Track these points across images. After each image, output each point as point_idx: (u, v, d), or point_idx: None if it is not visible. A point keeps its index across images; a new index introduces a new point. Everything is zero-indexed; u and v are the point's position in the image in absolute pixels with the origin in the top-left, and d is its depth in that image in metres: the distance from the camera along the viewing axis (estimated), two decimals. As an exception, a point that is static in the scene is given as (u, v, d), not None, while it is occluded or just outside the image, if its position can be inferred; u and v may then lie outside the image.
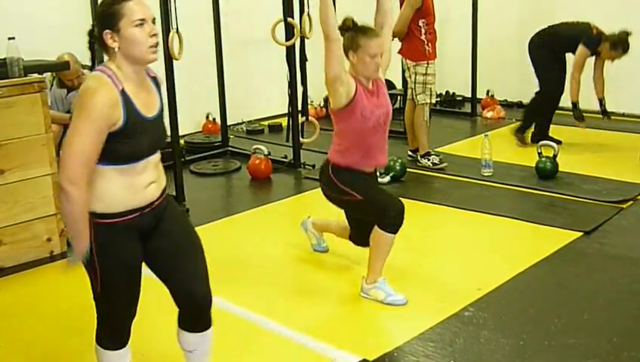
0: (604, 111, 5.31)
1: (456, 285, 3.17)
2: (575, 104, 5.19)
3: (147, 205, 2.01)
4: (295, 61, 4.89)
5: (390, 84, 6.98)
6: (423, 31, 4.87)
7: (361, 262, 3.20)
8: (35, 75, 3.60)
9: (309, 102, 5.41)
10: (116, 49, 1.91)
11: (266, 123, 6.42)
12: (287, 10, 4.79)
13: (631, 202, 4.13)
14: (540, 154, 4.68)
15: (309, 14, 4.62)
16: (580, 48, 5.15)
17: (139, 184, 1.97)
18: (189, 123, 5.79)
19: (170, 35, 4.04)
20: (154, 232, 2.05)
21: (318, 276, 3.32)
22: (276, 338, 2.75)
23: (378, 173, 4.61)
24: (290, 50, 4.88)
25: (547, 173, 4.58)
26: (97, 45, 1.97)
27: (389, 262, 3.08)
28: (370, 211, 2.97)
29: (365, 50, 2.85)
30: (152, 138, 1.97)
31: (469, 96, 6.69)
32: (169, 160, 4.76)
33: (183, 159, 4.52)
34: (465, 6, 6.34)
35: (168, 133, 2.12)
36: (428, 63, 4.92)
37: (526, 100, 6.79)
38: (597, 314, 2.86)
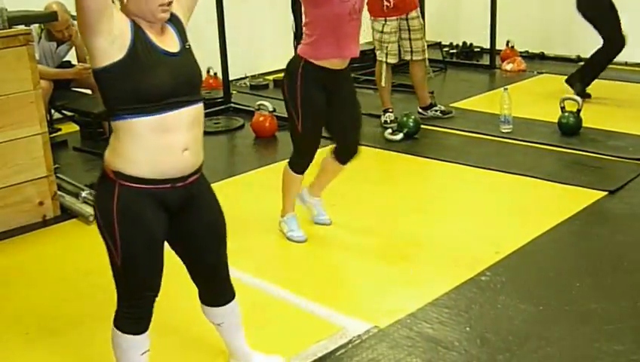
0: None
1: (473, 248, 3.15)
2: None
3: (180, 178, 1.87)
4: (301, 10, 4.80)
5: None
6: None
7: (371, 232, 3.18)
8: (21, 27, 3.54)
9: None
10: (125, 1, 1.82)
11: (270, 77, 6.35)
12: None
13: (660, 159, 4.08)
14: (562, 108, 4.61)
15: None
16: None
17: (171, 144, 1.82)
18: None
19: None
20: (182, 212, 1.93)
21: (326, 241, 3.31)
22: (284, 305, 2.76)
23: (391, 130, 4.66)
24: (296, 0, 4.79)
25: (570, 128, 4.52)
26: None
27: (399, 223, 3.07)
28: (295, 143, 3.15)
29: None
30: (175, 74, 1.82)
31: (488, 47, 6.57)
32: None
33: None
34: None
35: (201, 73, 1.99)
36: (386, 20, 4.73)
37: (549, 51, 6.72)
38: (621, 278, 2.84)
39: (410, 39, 4.83)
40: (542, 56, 6.74)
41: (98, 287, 3.01)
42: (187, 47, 1.91)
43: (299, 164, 3.17)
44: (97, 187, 1.94)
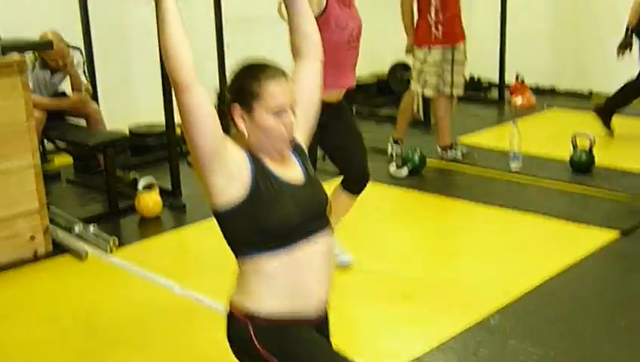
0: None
1: (481, 289, 3.15)
2: (628, 28, 5.02)
3: (313, 315, 1.78)
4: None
5: (407, 67, 6.96)
6: (433, 10, 4.62)
7: (375, 271, 3.18)
8: (15, 55, 3.59)
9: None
10: (245, 134, 1.74)
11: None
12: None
13: (675, 198, 4.11)
14: (574, 145, 4.65)
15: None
16: None
17: (302, 280, 1.74)
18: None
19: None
20: None
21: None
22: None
23: (395, 165, 4.69)
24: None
25: (582, 166, 4.56)
26: (224, 110, 1.78)
27: (406, 262, 3.09)
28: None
29: None
30: (302, 206, 1.74)
31: (497, 80, 6.65)
32: (164, 149, 4.82)
33: (180, 148, 4.51)
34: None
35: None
36: (430, 49, 4.68)
37: (559, 86, 6.80)
38: (636, 321, 2.84)
39: (452, 72, 4.78)
40: (552, 91, 6.81)
41: (88, 326, 3.03)
42: (311, 174, 1.84)
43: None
44: (230, 331, 1.82)
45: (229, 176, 1.68)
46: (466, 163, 4.86)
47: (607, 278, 3.25)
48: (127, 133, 5.02)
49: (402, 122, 4.99)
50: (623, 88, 5.29)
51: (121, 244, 3.69)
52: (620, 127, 5.40)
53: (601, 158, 4.61)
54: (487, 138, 5.48)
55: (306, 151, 1.87)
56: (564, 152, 4.70)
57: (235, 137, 1.76)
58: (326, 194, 1.85)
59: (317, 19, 2.84)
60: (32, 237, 3.63)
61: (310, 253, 1.75)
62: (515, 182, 4.51)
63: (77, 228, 3.81)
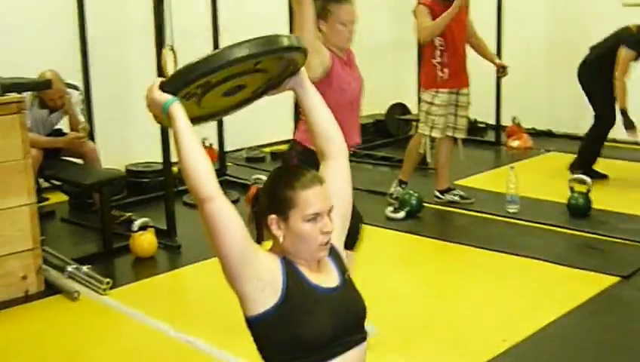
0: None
1: (479, 335, 3.13)
2: (624, 111, 5.11)
3: None
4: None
5: (405, 109, 7.03)
6: (438, 52, 4.69)
7: (371, 316, 3.15)
8: (14, 95, 3.62)
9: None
10: (280, 240, 1.73)
11: (267, 150, 6.45)
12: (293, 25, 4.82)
13: (674, 243, 4.11)
14: (571, 189, 4.67)
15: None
16: (623, 51, 5.09)
17: None
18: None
19: (164, 52, 4.08)
20: None
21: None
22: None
23: (392, 208, 4.69)
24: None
25: (580, 210, 4.57)
26: (259, 219, 1.78)
27: (402, 308, 3.06)
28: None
29: (337, 17, 2.90)
30: (337, 314, 1.71)
31: (493, 123, 6.70)
32: (160, 190, 4.82)
33: (175, 188, 4.51)
34: (488, 24, 6.39)
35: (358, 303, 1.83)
36: (437, 92, 4.74)
37: (556, 129, 6.86)
38: (637, 370, 2.82)
39: (456, 115, 4.83)
40: (549, 134, 6.87)
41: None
42: (347, 278, 1.81)
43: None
44: None
45: (261, 284, 1.66)
46: (462, 206, 4.87)
47: (606, 324, 3.23)
48: (124, 171, 5.03)
49: (408, 164, 5.02)
50: (586, 143, 5.44)
51: (114, 285, 3.66)
52: (617, 170, 5.44)
53: (598, 202, 4.63)
54: (484, 180, 5.50)
55: (343, 256, 1.85)
56: (562, 196, 4.71)
57: (272, 246, 1.75)
58: (363, 302, 1.80)
59: (319, 80, 2.86)
60: (24, 277, 3.61)
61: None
62: (513, 225, 4.51)
63: (70, 268, 3.78)
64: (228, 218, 1.61)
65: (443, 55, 4.68)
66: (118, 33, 5.46)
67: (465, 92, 4.85)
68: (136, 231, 4.05)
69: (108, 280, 3.64)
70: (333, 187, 1.83)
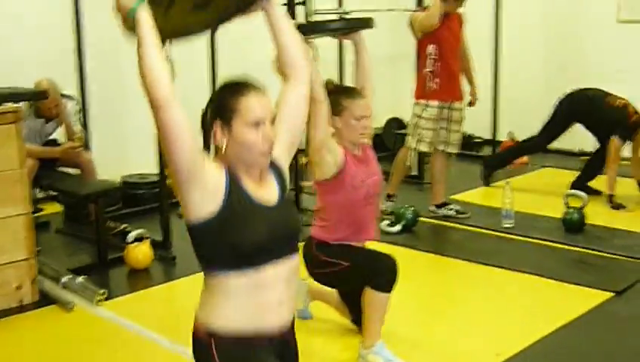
0: None
1: (473, 350, 3.15)
2: (612, 196, 5.15)
3: (275, 334, 1.84)
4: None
5: (400, 124, 7.07)
6: (430, 61, 4.68)
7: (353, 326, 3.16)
8: (10, 105, 3.64)
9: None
10: (224, 147, 1.81)
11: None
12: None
13: (666, 259, 4.15)
14: (566, 204, 4.70)
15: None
16: (615, 141, 5.13)
17: (267, 301, 1.80)
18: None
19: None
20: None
21: (310, 340, 3.28)
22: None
23: (388, 222, 4.71)
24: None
25: (574, 225, 4.60)
26: (206, 130, 1.85)
27: (396, 322, 3.07)
28: (360, 275, 2.94)
29: (351, 112, 2.87)
30: (273, 228, 1.80)
31: (489, 138, 6.74)
32: (155, 202, 4.84)
33: (170, 200, 4.52)
34: (486, 39, 6.45)
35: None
36: (427, 104, 4.72)
37: (551, 145, 6.88)
38: (630, 386, 2.84)
39: (449, 130, 4.81)
40: (544, 150, 6.91)
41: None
42: (287, 196, 1.91)
43: (383, 278, 2.94)
44: (194, 351, 1.89)
45: (205, 192, 1.74)
46: (458, 220, 4.89)
47: (600, 340, 3.25)
48: (120, 183, 5.05)
49: (395, 177, 5.03)
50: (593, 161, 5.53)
51: (109, 296, 3.67)
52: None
53: (593, 217, 4.66)
54: (480, 195, 5.54)
55: (286, 172, 1.93)
56: (557, 211, 4.75)
57: (217, 154, 1.83)
58: (298, 218, 1.92)
59: (332, 179, 2.88)
60: (19, 287, 3.62)
61: (276, 274, 1.80)
62: (508, 240, 4.54)
63: (65, 279, 3.78)
64: (181, 126, 1.67)
65: (435, 64, 4.67)
66: (115, 45, 5.48)
67: (458, 106, 4.84)
68: (132, 243, 4.06)
69: (103, 291, 3.65)
70: (287, 109, 1.94)
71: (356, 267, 2.95)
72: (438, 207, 4.98)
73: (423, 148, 4.83)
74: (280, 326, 1.85)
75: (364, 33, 3.15)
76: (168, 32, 1.83)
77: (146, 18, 1.68)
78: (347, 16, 3.34)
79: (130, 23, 1.71)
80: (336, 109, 2.87)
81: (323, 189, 2.95)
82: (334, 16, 4.33)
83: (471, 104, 5.09)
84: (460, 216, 4.92)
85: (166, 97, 1.64)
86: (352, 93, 2.94)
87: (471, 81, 5.10)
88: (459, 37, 4.84)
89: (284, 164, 1.94)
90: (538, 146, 5.73)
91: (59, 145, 4.72)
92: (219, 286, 1.80)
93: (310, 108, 2.75)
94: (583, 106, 5.43)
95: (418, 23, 4.67)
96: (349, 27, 3.04)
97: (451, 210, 4.95)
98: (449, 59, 4.71)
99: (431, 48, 4.66)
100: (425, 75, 4.73)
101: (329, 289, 3.28)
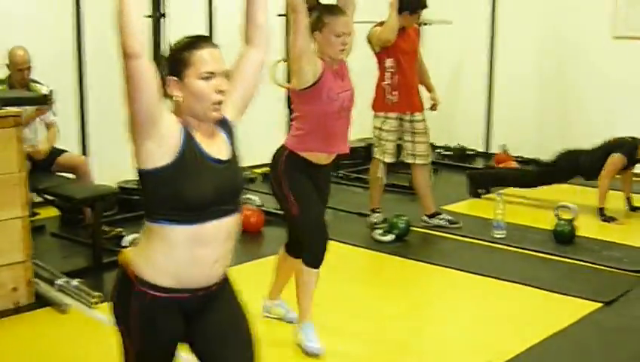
0: (632, 208, 5.42)
1: (463, 357, 3.22)
2: (602, 209, 5.22)
3: (204, 287, 1.92)
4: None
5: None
6: (388, 74, 4.79)
7: (355, 336, 3.22)
8: (11, 109, 3.69)
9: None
10: (179, 100, 1.89)
11: (258, 171, 6.52)
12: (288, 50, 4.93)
13: (656, 272, 4.23)
14: (557, 216, 4.79)
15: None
16: (616, 156, 5.19)
17: (203, 256, 1.87)
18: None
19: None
20: (200, 315, 1.96)
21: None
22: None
23: (381, 231, 4.78)
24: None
25: (565, 237, 4.69)
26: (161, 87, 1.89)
27: (387, 329, 3.15)
28: (295, 233, 3.21)
29: (331, 29, 3.02)
30: (219, 183, 1.88)
31: (482, 150, 6.83)
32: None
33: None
34: (480, 55, 6.55)
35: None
36: (386, 117, 4.85)
37: (543, 157, 6.98)
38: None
39: (413, 142, 4.92)
40: (536, 162, 7.00)
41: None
42: (236, 154, 1.98)
43: (312, 255, 3.12)
44: (116, 285, 1.97)
45: (160, 142, 1.82)
46: (450, 230, 4.97)
47: (587, 350, 3.32)
48: (116, 188, 5.09)
49: (373, 191, 5.09)
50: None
51: (104, 299, 3.71)
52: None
53: (583, 230, 4.75)
54: (472, 206, 5.61)
55: (234, 130, 2.01)
56: (547, 223, 4.83)
57: (172, 108, 1.90)
58: (243, 178, 2.03)
59: (309, 88, 3.02)
60: (15, 289, 3.65)
61: (215, 230, 1.87)
62: (499, 250, 4.62)
63: (60, 282, 3.83)
64: (148, 77, 1.75)
65: (393, 77, 4.81)
66: (115, 52, 5.56)
67: (419, 118, 4.95)
68: (127, 247, 4.10)
69: (98, 294, 3.69)
70: (243, 71, 2.05)
71: (296, 221, 3.14)
72: (430, 217, 5.05)
73: (388, 159, 4.95)
74: (209, 281, 1.92)
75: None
76: None
77: None
78: None
79: None
80: (317, 25, 3.03)
81: (300, 99, 3.10)
82: None
83: (433, 108, 5.25)
84: (451, 226, 5.00)
85: (138, 48, 1.72)
86: (333, 10, 3.07)
87: (430, 89, 5.28)
88: (416, 49, 5.01)
89: (234, 123, 2.03)
90: (526, 185, 5.69)
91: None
92: (157, 235, 1.86)
93: (291, 18, 2.91)
94: (587, 164, 5.41)
95: (376, 38, 4.80)
96: None
97: (442, 219, 5.03)
98: (407, 71, 4.87)
99: (389, 62, 4.80)
100: (383, 88, 4.86)
101: (277, 273, 3.41)
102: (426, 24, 5.90)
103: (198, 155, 1.87)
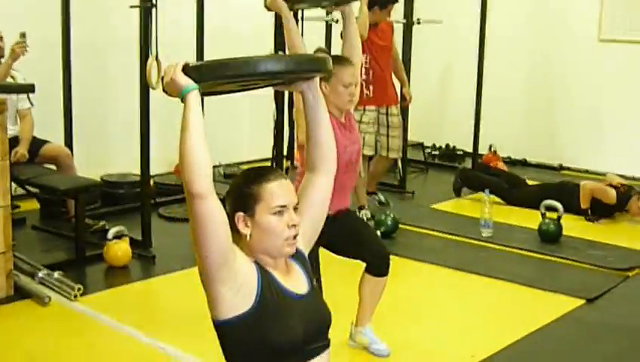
0: None
1: (448, 351, 3.26)
2: (586, 210, 5.27)
3: None
4: (284, 99, 5.04)
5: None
6: (363, 70, 4.85)
7: (342, 332, 3.25)
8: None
9: (295, 145, 5.52)
10: (247, 237, 1.76)
11: (245, 167, 6.53)
12: (277, 43, 4.93)
13: (638, 270, 4.29)
14: (543, 215, 4.84)
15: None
16: (613, 191, 5.22)
17: None
18: (161, 161, 5.85)
19: (149, 61, 4.18)
20: None
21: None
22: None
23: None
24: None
25: (550, 236, 4.74)
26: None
27: (375, 324, 3.19)
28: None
29: (339, 79, 2.96)
30: (306, 320, 1.75)
31: (470, 150, 6.87)
32: (134, 201, 4.89)
33: (153, 201, 4.58)
34: (470, 55, 6.59)
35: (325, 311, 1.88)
36: (364, 110, 4.99)
37: (531, 158, 7.07)
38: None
39: (388, 135, 5.11)
40: (524, 163, 7.08)
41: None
42: (315, 285, 1.87)
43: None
44: None
45: (236, 287, 1.68)
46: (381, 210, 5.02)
47: (570, 346, 3.37)
48: (100, 181, 5.08)
49: (357, 188, 5.12)
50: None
51: (86, 292, 3.71)
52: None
53: (568, 229, 4.81)
54: (460, 205, 5.66)
55: (308, 260, 1.90)
56: (534, 222, 4.89)
57: (239, 246, 1.76)
58: (329, 310, 1.85)
59: None
60: (-6, 280, 3.65)
61: None
62: (485, 248, 4.66)
63: (41, 274, 3.82)
64: (216, 219, 1.63)
65: (368, 73, 4.98)
66: (101, 43, 5.57)
67: (394, 111, 5.12)
68: (111, 240, 4.11)
69: (79, 286, 3.68)
70: (311, 200, 1.91)
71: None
72: (359, 208, 5.05)
73: (367, 151, 5.04)
74: None
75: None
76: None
77: (197, 103, 1.64)
78: None
79: (175, 96, 1.69)
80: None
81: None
82: None
83: (404, 100, 5.42)
84: (382, 206, 5.15)
85: (205, 188, 1.60)
86: (340, 60, 3.02)
87: (403, 83, 5.46)
88: (390, 44, 5.17)
89: (307, 252, 1.91)
90: (514, 199, 5.63)
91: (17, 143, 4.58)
92: None
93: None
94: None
95: (362, 26, 4.86)
96: None
97: (367, 213, 5.02)
98: (382, 66, 5.06)
99: (364, 58, 4.88)
100: (360, 83, 4.90)
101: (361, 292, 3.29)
102: (419, 23, 5.95)
103: (280, 294, 1.74)
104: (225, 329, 1.71)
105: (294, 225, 1.76)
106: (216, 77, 1.69)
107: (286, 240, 1.76)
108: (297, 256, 1.84)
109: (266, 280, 1.73)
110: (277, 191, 1.75)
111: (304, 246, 1.88)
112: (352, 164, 3.07)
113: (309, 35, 4.17)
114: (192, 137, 1.60)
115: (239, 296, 1.68)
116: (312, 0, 2.95)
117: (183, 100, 1.64)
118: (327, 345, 1.82)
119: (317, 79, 1.92)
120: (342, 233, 3.07)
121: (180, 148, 1.61)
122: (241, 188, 1.78)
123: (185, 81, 1.65)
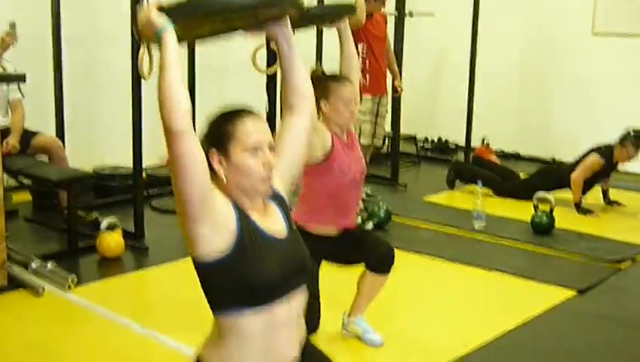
0: (609, 202, 5.53)
1: (441, 340, 3.31)
2: (577, 204, 5.32)
3: None
4: (276, 90, 5.06)
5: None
6: (360, 59, 4.86)
7: (336, 321, 3.29)
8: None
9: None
10: (223, 177, 1.75)
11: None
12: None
13: (629, 262, 4.36)
14: (535, 207, 4.89)
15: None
16: (594, 156, 5.30)
17: (281, 341, 1.76)
18: (153, 154, 5.88)
19: (141, 51, 4.17)
20: None
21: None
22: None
23: (360, 219, 4.83)
24: (271, 78, 5.05)
25: (543, 227, 4.80)
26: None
27: (366, 316, 3.23)
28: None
29: (338, 97, 2.96)
30: (285, 261, 1.77)
31: (463, 143, 6.93)
32: (127, 192, 4.91)
33: (145, 193, 4.60)
34: (462, 48, 6.64)
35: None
36: (361, 98, 5.06)
37: (524, 152, 7.13)
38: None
39: (376, 124, 5.22)
40: (517, 156, 7.14)
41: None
42: (294, 227, 1.87)
43: None
44: None
45: (216, 226, 1.68)
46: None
47: (562, 335, 3.43)
48: (92, 173, 5.10)
49: None
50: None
51: (79, 282, 3.73)
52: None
53: (560, 221, 4.86)
54: (452, 198, 5.71)
55: (287, 202, 1.89)
56: (526, 214, 4.94)
57: (218, 188, 1.76)
58: (307, 252, 1.87)
59: (320, 163, 2.95)
60: (-17, 272, 3.66)
61: (287, 311, 1.76)
62: (478, 240, 4.72)
63: (34, 264, 3.84)
64: (196, 158, 1.64)
65: (365, 62, 5.04)
66: (93, 34, 5.57)
67: (384, 101, 5.26)
68: (104, 231, 4.13)
69: (73, 276, 3.71)
70: (289, 139, 1.92)
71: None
72: None
73: (364, 140, 5.08)
74: None
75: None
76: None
77: (173, 42, 1.64)
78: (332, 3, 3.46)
79: (152, 40, 1.68)
80: (324, 93, 2.95)
81: (311, 174, 2.98)
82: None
83: (395, 92, 5.57)
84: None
85: (184, 127, 1.60)
86: (339, 78, 3.03)
87: (395, 75, 5.56)
88: (384, 35, 5.28)
89: (285, 195, 1.90)
90: (501, 194, 5.71)
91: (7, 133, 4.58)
92: (229, 329, 1.74)
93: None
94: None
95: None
96: (334, 13, 3.16)
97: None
98: (377, 56, 5.16)
99: (360, 47, 4.97)
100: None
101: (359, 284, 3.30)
102: (411, 15, 5.99)
103: (257, 235, 1.75)
104: (204, 269, 1.73)
105: (269, 164, 1.77)
106: (190, 13, 1.70)
107: (261, 179, 1.77)
108: (275, 197, 1.86)
109: (245, 222, 1.74)
110: (251, 129, 1.76)
111: (282, 189, 1.90)
112: (356, 182, 3.07)
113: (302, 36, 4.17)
114: (169, 75, 1.61)
115: (218, 236, 1.70)
116: (308, 20, 2.97)
117: (159, 41, 1.64)
118: (304, 283, 1.84)
119: (290, 27, 1.93)
120: (346, 246, 3.10)
121: (159, 87, 1.61)
122: (216, 127, 1.80)
123: (160, 21, 1.65)
